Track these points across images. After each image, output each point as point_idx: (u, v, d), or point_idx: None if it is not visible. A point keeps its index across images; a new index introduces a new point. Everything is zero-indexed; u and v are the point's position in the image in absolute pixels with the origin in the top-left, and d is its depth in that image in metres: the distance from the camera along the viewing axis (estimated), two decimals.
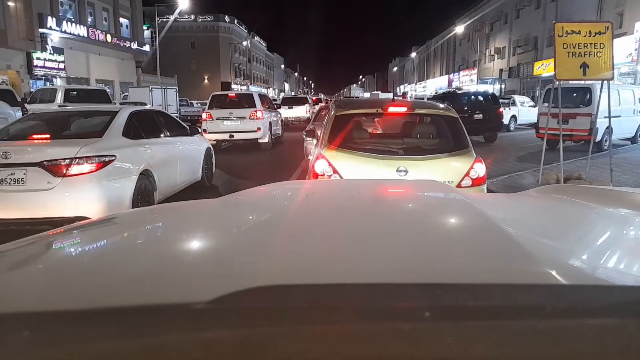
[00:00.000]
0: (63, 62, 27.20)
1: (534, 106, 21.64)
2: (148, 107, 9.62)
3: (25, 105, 13.56)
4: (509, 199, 1.64)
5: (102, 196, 4.68)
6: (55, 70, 26.81)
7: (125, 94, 30.67)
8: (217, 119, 12.65)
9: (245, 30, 71.04)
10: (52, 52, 26.17)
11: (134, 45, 36.64)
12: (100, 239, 1.10)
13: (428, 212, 1.33)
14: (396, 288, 0.66)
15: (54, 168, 4.50)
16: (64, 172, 4.51)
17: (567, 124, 11.36)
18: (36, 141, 4.96)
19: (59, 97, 14.61)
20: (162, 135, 6.39)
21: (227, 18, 63.69)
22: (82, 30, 29.27)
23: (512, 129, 20.82)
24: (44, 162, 4.50)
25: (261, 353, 0.49)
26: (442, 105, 4.83)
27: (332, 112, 4.42)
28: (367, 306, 0.59)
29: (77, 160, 4.55)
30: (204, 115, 13.20)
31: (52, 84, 23.68)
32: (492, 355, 0.48)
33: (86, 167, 4.60)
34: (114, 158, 4.83)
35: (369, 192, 1.59)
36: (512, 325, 0.54)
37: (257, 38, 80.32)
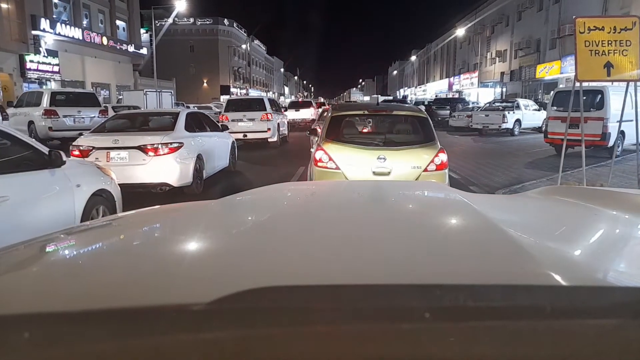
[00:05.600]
0: (57, 65, 26.60)
1: (539, 110, 21.10)
2: (195, 109, 11.68)
3: (11, 109, 13.03)
4: (509, 200, 1.62)
5: (177, 170, 6.67)
6: (50, 74, 26.18)
7: (120, 97, 30.10)
8: (232, 120, 14.14)
9: (245, 34, 70.62)
10: (46, 54, 25.59)
11: (131, 48, 36.04)
12: (100, 241, 1.08)
13: (428, 213, 1.33)
14: (396, 289, 0.66)
15: (147, 150, 6.45)
16: (154, 153, 6.47)
17: (577, 128, 10.82)
18: (132, 132, 7.04)
19: (45, 100, 14.02)
20: (206, 130, 8.38)
21: (226, 21, 63.20)
22: (77, 33, 28.69)
23: (516, 133, 20.26)
24: (141, 146, 6.45)
25: (261, 354, 0.49)
26: (415, 107, 6.26)
27: (329, 114, 5.68)
28: (367, 307, 0.59)
29: (162, 145, 6.53)
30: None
31: (47, 87, 23.12)
32: (492, 355, 0.48)
33: (167, 149, 6.57)
34: (182, 144, 6.80)
35: (369, 193, 1.59)
36: (512, 326, 0.54)
37: (256, 41, 79.90)
